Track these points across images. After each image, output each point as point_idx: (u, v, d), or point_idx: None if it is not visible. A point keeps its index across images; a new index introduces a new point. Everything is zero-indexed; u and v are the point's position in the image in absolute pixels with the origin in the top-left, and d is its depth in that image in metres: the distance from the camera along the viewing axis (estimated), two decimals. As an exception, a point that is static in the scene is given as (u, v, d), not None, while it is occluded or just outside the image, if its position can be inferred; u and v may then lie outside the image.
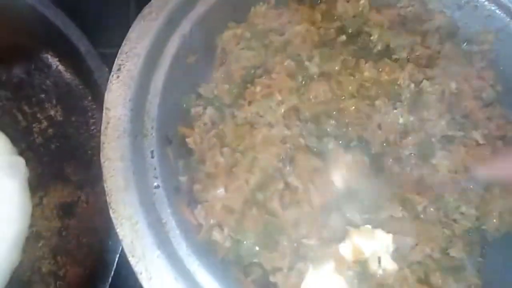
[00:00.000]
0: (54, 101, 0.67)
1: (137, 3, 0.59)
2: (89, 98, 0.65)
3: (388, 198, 0.57)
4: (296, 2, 0.67)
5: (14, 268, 0.59)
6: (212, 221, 0.55)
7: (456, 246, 0.54)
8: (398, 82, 0.60)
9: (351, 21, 0.66)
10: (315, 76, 0.61)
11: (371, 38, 0.65)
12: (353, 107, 0.59)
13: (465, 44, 0.67)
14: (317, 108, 0.58)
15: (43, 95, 0.67)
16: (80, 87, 0.66)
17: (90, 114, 0.65)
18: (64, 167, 0.63)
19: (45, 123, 0.66)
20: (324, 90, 0.59)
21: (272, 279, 0.54)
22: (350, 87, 0.59)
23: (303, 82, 0.61)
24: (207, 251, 0.53)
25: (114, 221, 0.50)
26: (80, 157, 0.63)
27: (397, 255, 0.53)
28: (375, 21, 0.66)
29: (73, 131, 0.64)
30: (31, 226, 0.61)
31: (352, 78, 0.59)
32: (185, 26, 0.61)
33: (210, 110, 0.60)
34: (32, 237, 0.61)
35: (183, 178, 0.57)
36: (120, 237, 0.49)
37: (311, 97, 0.59)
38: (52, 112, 0.67)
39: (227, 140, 0.58)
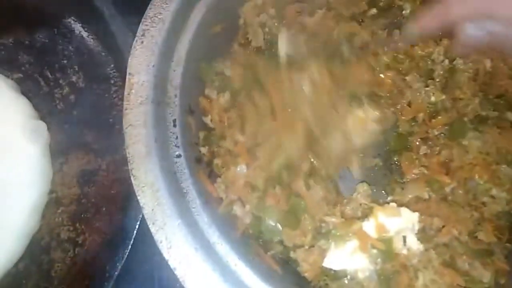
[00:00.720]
0: (76, 67, 0.66)
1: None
2: (112, 65, 0.64)
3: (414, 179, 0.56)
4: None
5: (33, 233, 0.59)
6: (233, 196, 0.54)
7: (484, 229, 0.52)
8: (432, 57, 0.58)
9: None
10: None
11: (403, 12, 0.63)
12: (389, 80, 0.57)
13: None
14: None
15: (65, 61, 0.66)
16: (103, 53, 0.65)
17: (112, 81, 0.64)
18: (85, 135, 0.62)
19: (67, 89, 0.65)
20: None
21: (292, 255, 0.54)
22: (384, 58, 0.57)
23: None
24: (227, 224, 0.53)
25: (135, 188, 0.49)
26: (101, 124, 0.62)
27: (423, 235, 0.52)
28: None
29: (95, 98, 0.63)
30: (50, 192, 0.61)
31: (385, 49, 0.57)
32: (210, -4, 0.59)
33: (227, 91, 0.58)
34: (52, 203, 0.61)
35: (204, 149, 0.56)
36: (141, 204, 0.48)
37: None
38: (74, 78, 0.66)
39: (247, 121, 0.56)
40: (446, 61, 0.58)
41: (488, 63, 0.59)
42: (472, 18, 0.42)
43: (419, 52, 0.58)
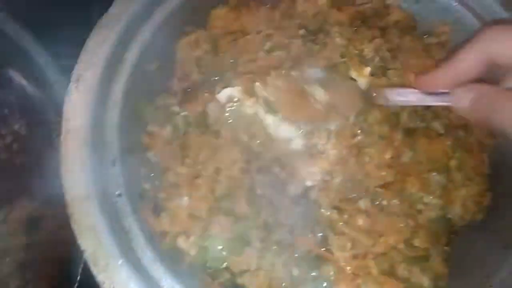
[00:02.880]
0: (17, 116, 0.66)
1: (98, 13, 0.59)
2: (52, 111, 0.65)
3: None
4: (256, 3, 0.68)
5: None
6: (177, 229, 0.55)
7: (420, 236, 0.54)
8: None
9: (312, 20, 0.67)
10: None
11: (332, 36, 0.66)
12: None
13: (425, 36, 0.68)
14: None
15: (6, 110, 0.67)
16: (43, 100, 0.66)
17: (53, 127, 0.65)
18: (29, 182, 0.62)
19: (9, 139, 0.66)
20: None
21: (240, 281, 0.54)
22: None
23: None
24: (173, 257, 0.54)
25: (75, 232, 0.50)
26: (44, 171, 0.62)
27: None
28: (335, 19, 0.66)
29: (38, 145, 0.64)
30: (-3, 242, 0.61)
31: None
32: (144, 33, 0.60)
33: (169, 124, 0.60)
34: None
35: (147, 185, 0.57)
36: (82, 247, 0.49)
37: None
38: (16, 127, 0.66)
39: (188, 151, 0.58)
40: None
41: (412, 77, 0.62)
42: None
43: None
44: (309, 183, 0.56)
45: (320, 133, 0.57)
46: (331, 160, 0.56)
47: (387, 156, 0.57)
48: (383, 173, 0.57)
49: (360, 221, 0.54)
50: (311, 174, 0.56)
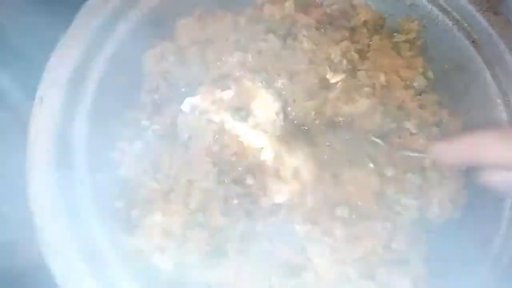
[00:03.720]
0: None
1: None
2: (20, 135, 0.63)
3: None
4: (222, 10, 0.67)
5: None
6: (152, 246, 0.54)
7: (397, 239, 0.54)
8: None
9: (279, 24, 0.66)
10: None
11: (300, 40, 0.65)
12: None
13: (395, 34, 0.68)
14: None
15: (-29, 134, 0.65)
16: (11, 124, 0.64)
17: (21, 152, 0.63)
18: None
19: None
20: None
21: (218, 294, 0.54)
22: None
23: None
24: (148, 276, 0.52)
25: (46, 257, 0.49)
26: (16, 197, 0.61)
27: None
28: (302, 23, 0.66)
29: (8, 171, 0.62)
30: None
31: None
32: (108, 48, 0.59)
33: (138, 139, 0.59)
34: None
35: (119, 203, 0.56)
36: (54, 273, 0.48)
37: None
38: (-18, 150, 0.65)
39: (160, 165, 0.57)
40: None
41: (382, 77, 0.62)
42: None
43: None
44: (278, 200, 0.55)
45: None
46: (302, 180, 0.55)
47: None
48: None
49: (337, 229, 0.53)
50: (280, 193, 0.55)
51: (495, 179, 0.46)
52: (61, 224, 0.50)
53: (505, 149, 0.42)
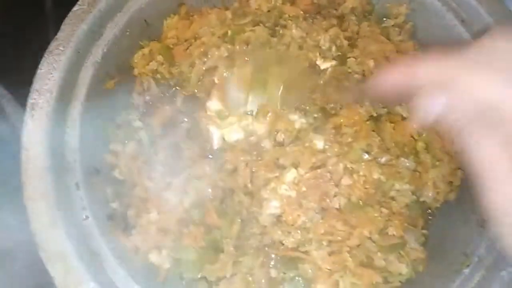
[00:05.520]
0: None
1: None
2: (13, 142, 0.64)
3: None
4: (209, 7, 0.67)
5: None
6: (149, 244, 0.54)
7: (394, 224, 0.53)
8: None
9: (267, 16, 0.66)
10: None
11: (289, 28, 0.65)
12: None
13: (384, 19, 0.68)
14: None
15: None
16: (4, 133, 0.65)
17: (17, 159, 0.64)
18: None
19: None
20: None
21: (216, 288, 0.54)
22: None
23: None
24: (146, 274, 0.53)
25: (44, 260, 0.49)
26: (14, 203, 0.62)
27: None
28: (290, 14, 0.66)
29: (4, 179, 0.63)
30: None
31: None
32: (97, 52, 0.60)
33: (132, 139, 0.60)
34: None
35: (115, 204, 0.57)
36: (52, 275, 0.49)
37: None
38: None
39: (155, 165, 0.58)
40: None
41: (371, 63, 0.61)
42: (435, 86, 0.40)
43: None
44: (273, 195, 0.55)
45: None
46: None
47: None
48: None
49: (333, 220, 0.53)
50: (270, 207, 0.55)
51: (424, 103, 0.41)
52: (57, 228, 0.50)
53: (435, 66, 0.39)
